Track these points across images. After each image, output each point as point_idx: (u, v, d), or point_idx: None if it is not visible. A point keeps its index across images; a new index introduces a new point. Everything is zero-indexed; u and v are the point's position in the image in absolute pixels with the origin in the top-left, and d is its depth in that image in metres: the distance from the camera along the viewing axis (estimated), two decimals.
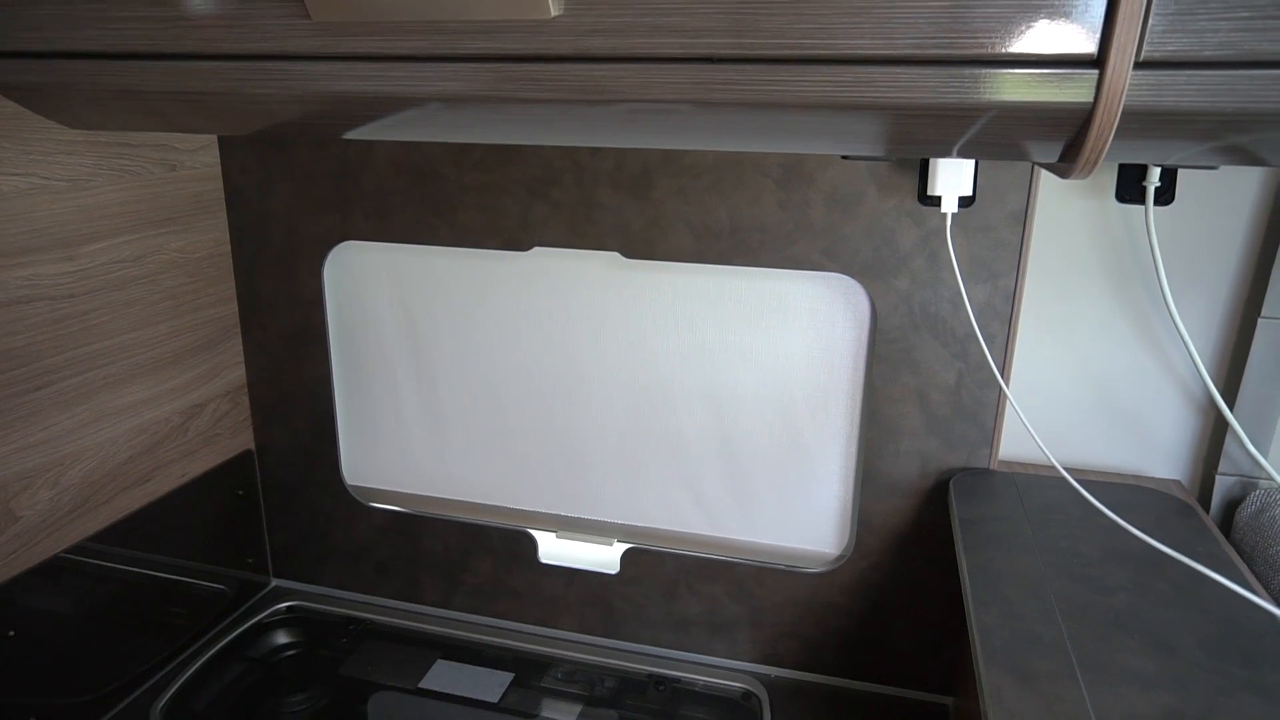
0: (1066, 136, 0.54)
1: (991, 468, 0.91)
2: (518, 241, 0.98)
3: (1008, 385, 0.88)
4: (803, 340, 0.95)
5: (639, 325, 0.99)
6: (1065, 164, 0.57)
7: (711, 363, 0.98)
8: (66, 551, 0.89)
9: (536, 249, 0.99)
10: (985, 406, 0.89)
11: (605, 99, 0.58)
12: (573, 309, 1.01)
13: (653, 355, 1.00)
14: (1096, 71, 0.46)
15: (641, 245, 0.94)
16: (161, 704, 0.98)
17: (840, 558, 1.00)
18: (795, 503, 1.00)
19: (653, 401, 1.01)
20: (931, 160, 0.79)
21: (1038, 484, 0.88)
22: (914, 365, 0.90)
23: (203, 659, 1.05)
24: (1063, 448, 0.95)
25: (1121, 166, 0.80)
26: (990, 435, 0.90)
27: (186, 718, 0.97)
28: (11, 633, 0.84)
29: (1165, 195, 0.79)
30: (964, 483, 0.88)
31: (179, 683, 1.01)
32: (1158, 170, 0.77)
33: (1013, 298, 0.86)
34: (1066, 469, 0.93)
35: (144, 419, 0.97)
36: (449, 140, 0.96)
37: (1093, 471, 0.94)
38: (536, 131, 0.69)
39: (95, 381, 0.91)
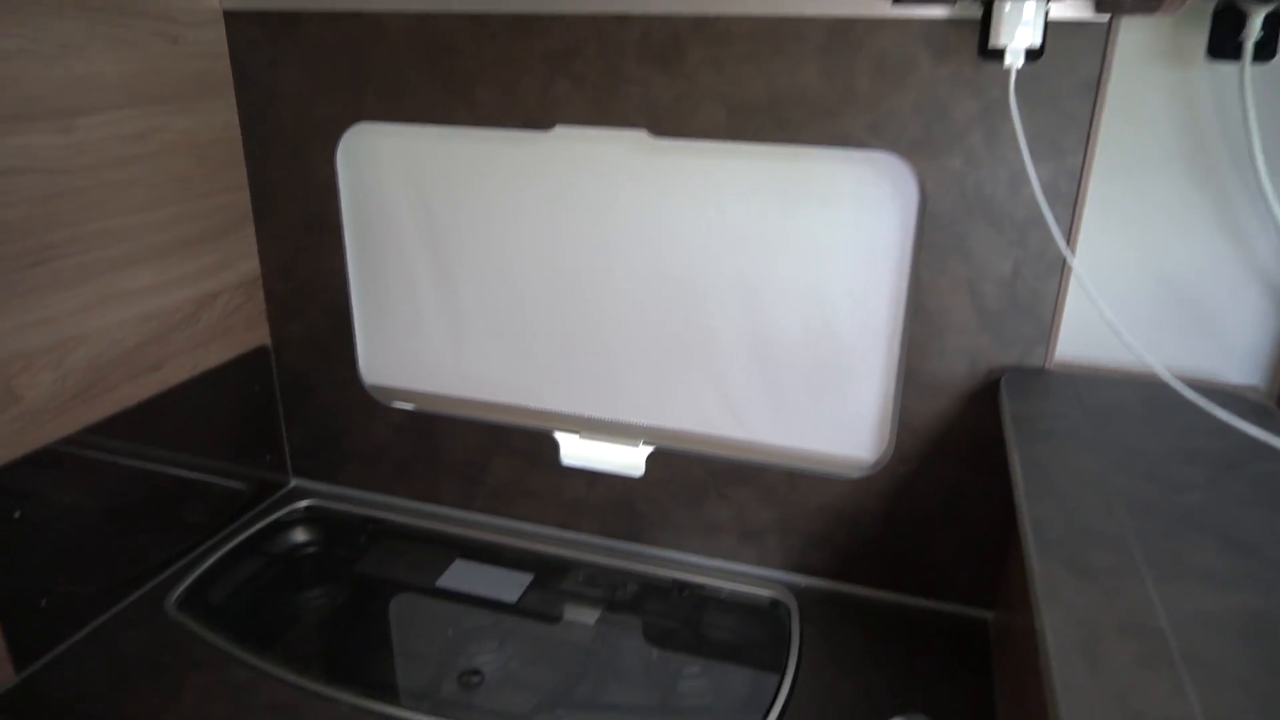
0: None
1: (1046, 367, 0.84)
2: (538, 120, 0.91)
3: (1068, 277, 0.81)
4: (844, 227, 0.87)
5: (667, 211, 0.92)
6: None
7: (745, 252, 0.91)
8: (73, 437, 0.86)
9: (559, 128, 0.92)
10: (1043, 299, 0.82)
11: None
12: (597, 194, 0.94)
13: (682, 244, 0.93)
14: None
15: (670, 122, 0.87)
16: (176, 595, 0.96)
17: (877, 463, 0.94)
18: (831, 404, 0.94)
19: (681, 295, 0.95)
20: (996, 5, 0.70)
21: (1098, 383, 0.81)
22: (965, 254, 0.83)
23: (218, 554, 1.04)
24: (1126, 348, 0.87)
25: (1216, 17, 0.70)
26: (1047, 331, 0.83)
27: (202, 609, 0.95)
28: (18, 515, 0.81)
29: (1266, 49, 0.70)
30: (1016, 381, 0.82)
31: (193, 576, 0.99)
32: (1260, 19, 0.67)
33: (1079, 178, 0.78)
34: (1130, 371, 0.85)
35: (151, 305, 0.94)
36: (467, 7, 0.89)
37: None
38: None
39: (98, 263, 0.87)
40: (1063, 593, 0.50)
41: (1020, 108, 0.77)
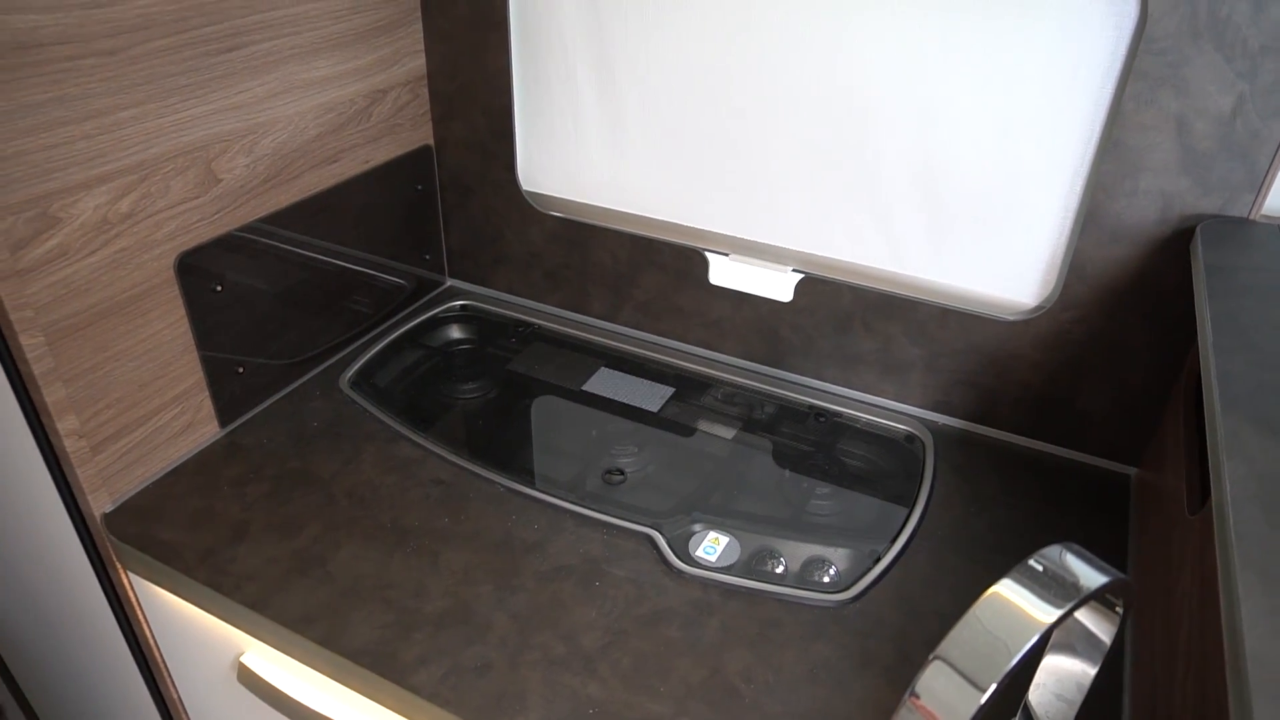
0: None
1: (1251, 218, 0.78)
2: None
3: None
4: (1041, 50, 0.80)
5: (845, 21, 0.87)
6: None
7: (926, 73, 0.86)
8: (263, 220, 0.92)
9: None
10: (1263, 142, 0.74)
11: None
12: (770, 2, 0.89)
13: (857, 62, 0.88)
14: None
15: None
16: (348, 375, 1.05)
17: (1038, 308, 0.91)
18: (998, 242, 0.90)
19: (850, 117, 0.91)
20: None
21: None
22: (1181, 85, 0.75)
23: (383, 343, 1.12)
24: None
25: None
26: (1260, 178, 0.76)
27: (370, 390, 1.04)
28: (219, 288, 0.89)
29: None
30: (1214, 230, 0.76)
31: (362, 360, 1.08)
32: None
33: None
34: None
35: (330, 97, 0.97)
36: None
37: None
38: None
39: (283, 50, 0.89)
40: (1247, 447, 0.49)
41: None
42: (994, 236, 0.90)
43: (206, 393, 0.92)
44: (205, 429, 0.93)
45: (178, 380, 0.88)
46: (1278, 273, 0.68)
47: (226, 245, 0.89)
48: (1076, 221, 0.85)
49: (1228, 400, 0.53)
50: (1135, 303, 0.85)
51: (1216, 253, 0.71)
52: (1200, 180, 0.78)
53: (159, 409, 0.87)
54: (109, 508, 0.84)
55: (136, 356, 0.83)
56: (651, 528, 0.84)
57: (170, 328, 0.86)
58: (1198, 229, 0.76)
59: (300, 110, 0.94)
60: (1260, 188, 0.76)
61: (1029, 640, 0.39)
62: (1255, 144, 0.74)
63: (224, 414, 0.94)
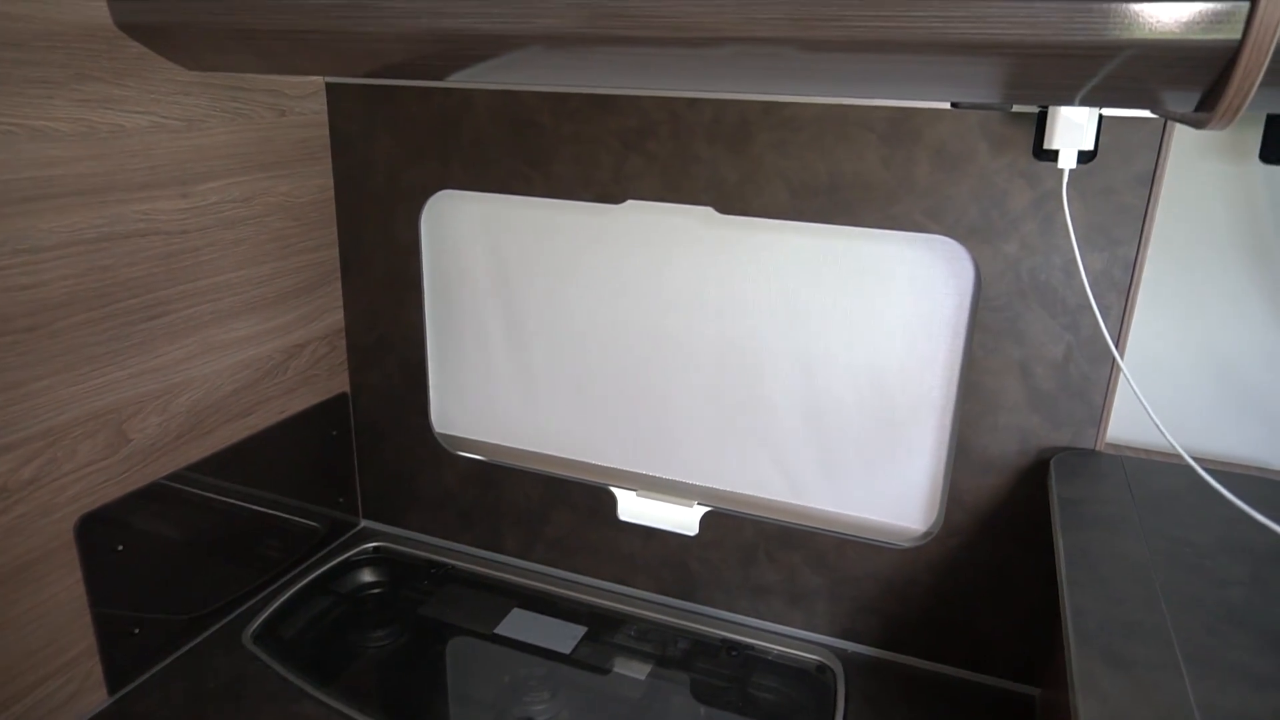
0: (1207, 81, 0.49)
1: (1098, 449, 0.86)
2: (611, 195, 0.97)
3: (1122, 361, 0.83)
4: (900, 305, 0.91)
5: (730, 284, 0.97)
6: (1202, 113, 0.53)
7: (803, 326, 0.95)
8: (173, 475, 0.93)
9: (630, 202, 0.98)
10: (1094, 384, 0.84)
11: (704, 37, 0.56)
12: (664, 265, 0.99)
13: (743, 315, 0.97)
14: (1247, 5, 0.42)
15: (736, 201, 0.92)
16: (252, 629, 1.02)
17: (927, 534, 0.96)
18: (883, 475, 0.97)
19: (741, 363, 0.99)
20: (1051, 109, 0.74)
21: (1149, 469, 0.82)
22: (1018, 336, 0.85)
23: (292, 590, 1.10)
24: (1179, 433, 0.89)
25: (1269, 121, 0.73)
26: (1099, 414, 0.85)
27: (275, 644, 1.01)
28: (120, 547, 0.88)
29: None
30: (1066, 462, 0.83)
31: (269, 611, 1.05)
32: None
33: (1132, 268, 0.80)
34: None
35: (247, 355, 1.01)
36: (550, 86, 0.96)
37: (1213, 460, 0.88)
38: (636, 76, 0.68)
39: (204, 315, 0.94)
40: (1099, 683, 0.52)
41: (1075, 200, 0.80)
42: (879, 468, 0.97)
43: (97, 658, 0.88)
44: (92, 697, 0.88)
45: (67, 647, 0.85)
46: (1122, 504, 0.75)
47: (133, 502, 0.89)
48: (950, 455, 0.93)
49: (1080, 636, 0.57)
50: (1012, 528, 0.91)
51: (1069, 485, 0.78)
52: (1049, 417, 0.86)
53: (43, 679, 0.83)
54: None
55: (25, 625, 0.80)
56: None
57: (65, 591, 0.84)
58: (1052, 462, 0.84)
59: (218, 369, 0.97)
60: (1100, 421, 0.85)
61: None
62: (1088, 385, 0.84)
63: (114, 680, 0.90)
